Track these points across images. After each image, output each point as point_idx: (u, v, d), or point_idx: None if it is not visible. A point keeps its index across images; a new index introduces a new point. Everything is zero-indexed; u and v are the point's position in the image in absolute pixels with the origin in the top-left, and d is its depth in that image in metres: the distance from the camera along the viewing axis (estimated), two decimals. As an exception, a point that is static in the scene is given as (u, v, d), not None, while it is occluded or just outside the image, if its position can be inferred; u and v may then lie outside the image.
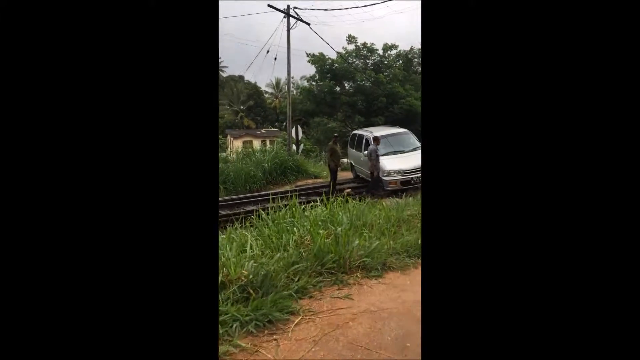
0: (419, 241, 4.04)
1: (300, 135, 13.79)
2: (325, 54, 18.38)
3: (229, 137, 31.85)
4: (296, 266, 2.98)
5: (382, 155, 9.34)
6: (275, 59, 14.83)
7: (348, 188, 9.81)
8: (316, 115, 20.28)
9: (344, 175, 12.68)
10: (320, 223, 4.26)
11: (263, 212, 4.77)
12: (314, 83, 19.38)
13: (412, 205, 6.05)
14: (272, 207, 5.08)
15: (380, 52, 18.85)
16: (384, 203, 6.06)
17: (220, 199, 9.02)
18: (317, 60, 18.31)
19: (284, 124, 27.48)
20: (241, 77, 53.17)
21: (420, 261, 3.72)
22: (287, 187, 11.62)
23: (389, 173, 8.88)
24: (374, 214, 5.05)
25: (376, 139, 9.36)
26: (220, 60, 52.41)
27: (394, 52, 19.22)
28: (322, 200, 5.40)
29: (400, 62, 19.55)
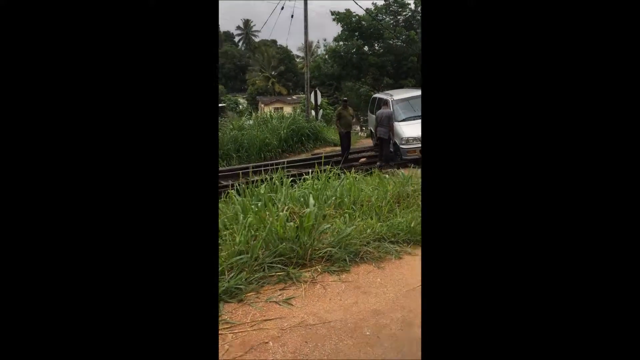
0: (412, 224, 3.38)
1: (320, 99, 12.95)
2: (352, 10, 17.01)
3: (260, 103, 31.53)
4: (239, 257, 2.45)
5: (401, 120, 8.44)
6: (292, 16, 13.75)
7: (363, 157, 9.08)
8: (343, 79, 19.22)
9: (365, 142, 11.87)
10: (302, 200, 3.68)
11: (245, 186, 4.25)
12: (340, 44, 18.16)
13: (419, 178, 5.31)
14: (259, 180, 4.55)
15: (412, 6, 17.16)
16: (389, 175, 5.33)
17: (225, 168, 8.64)
18: (343, 18, 16.99)
19: (316, 89, 26.65)
20: (274, 42, 52.01)
21: (408, 249, 3.08)
22: (304, 155, 11.09)
23: (407, 140, 8.02)
24: (368, 189, 4.39)
25: (385, 103, 8.46)
26: (252, 24, 51.41)
27: (428, 5, 17.42)
28: (321, 172, 4.79)
29: (435, 16, 17.74)
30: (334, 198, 3.85)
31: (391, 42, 17.20)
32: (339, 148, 10.30)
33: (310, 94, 13.05)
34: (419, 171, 5.46)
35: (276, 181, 4.25)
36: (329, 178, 4.78)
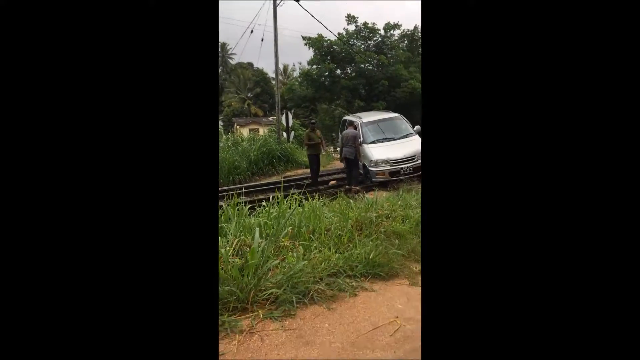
0: (372, 255, 3.15)
1: (291, 121, 12.84)
2: (325, 35, 17.24)
3: (235, 125, 31.23)
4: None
5: (370, 143, 8.36)
6: (262, 40, 13.73)
7: (334, 180, 8.91)
8: (317, 101, 19.29)
9: (337, 164, 11.74)
10: (258, 229, 3.40)
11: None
12: (313, 67, 18.30)
13: (386, 202, 5.13)
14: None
15: (382, 32, 17.59)
16: (354, 199, 5.13)
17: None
18: (315, 42, 17.20)
19: (293, 110, 26.71)
20: (250, 64, 52.29)
21: (365, 284, 2.84)
22: (275, 178, 10.82)
23: (376, 163, 7.91)
24: (330, 216, 4.16)
25: (351, 123, 8.39)
26: (228, 47, 51.69)
27: (397, 32, 17.93)
28: (279, 198, 4.53)
29: (405, 42, 18.26)
30: (290, 227, 3.59)
31: (363, 66, 17.47)
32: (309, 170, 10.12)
33: (282, 115, 12.92)
34: (387, 194, 5.26)
35: (229, 209, 3.96)
36: (290, 204, 4.53)
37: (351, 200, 5.21)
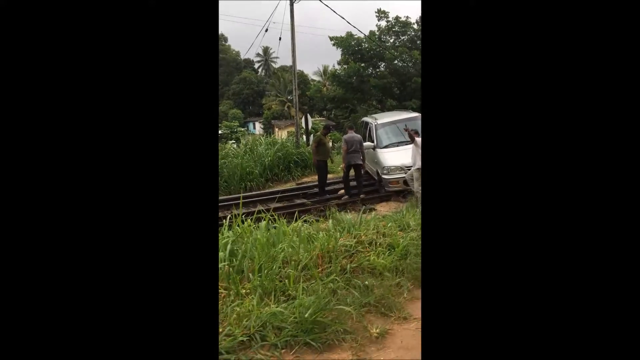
0: (311, 310, 2.31)
1: (311, 124, 12.12)
2: (354, 33, 16.34)
3: (274, 127, 31.31)
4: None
5: (383, 147, 7.41)
6: (280, 39, 13.17)
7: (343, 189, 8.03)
8: (347, 101, 18.45)
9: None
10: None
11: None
12: (343, 67, 17.49)
13: (381, 221, 4.22)
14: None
15: (416, 26, 16.33)
16: (335, 219, 4.27)
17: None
18: (342, 41, 16.37)
19: (333, 111, 25.98)
20: (292, 67, 52.46)
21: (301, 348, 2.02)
22: (289, 185, 10.15)
23: (389, 170, 6.95)
24: (294, 245, 3.35)
25: (351, 127, 7.51)
26: (271, 51, 52.31)
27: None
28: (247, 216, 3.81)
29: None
30: (225, 264, 2.84)
31: (396, 62, 16.35)
32: (331, 176, 9.30)
33: (301, 118, 12.26)
34: (395, 206, 4.31)
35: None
36: (255, 226, 3.78)
37: (340, 217, 4.35)
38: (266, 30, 12.31)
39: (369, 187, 8.06)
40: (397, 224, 4.21)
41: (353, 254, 3.39)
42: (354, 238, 3.67)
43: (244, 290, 2.64)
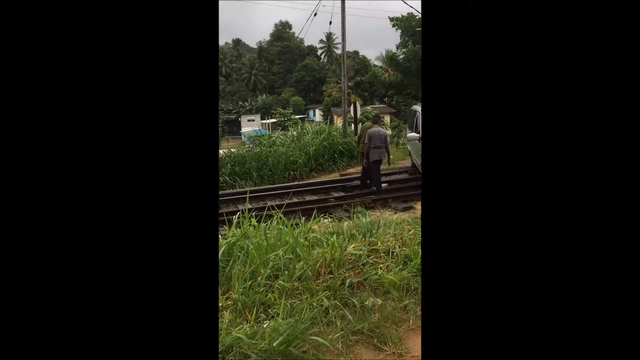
0: (280, 339, 1.98)
1: (359, 112, 11.56)
2: (416, 14, 15.27)
3: (333, 114, 31.14)
4: None
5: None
6: (330, 23, 12.53)
7: (386, 182, 7.50)
8: (407, 87, 17.52)
9: (404, 162, 10.14)
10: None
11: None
12: (400, 50, 16.53)
13: (407, 224, 3.71)
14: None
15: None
16: (357, 220, 3.85)
17: (222, 192, 7.80)
18: (402, 22, 15.38)
19: (394, 98, 24.99)
20: (356, 53, 51.66)
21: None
22: (334, 175, 9.84)
23: (420, 166, 6.28)
24: (303, 250, 3.02)
25: (377, 118, 6.88)
26: (334, 37, 51.69)
27: None
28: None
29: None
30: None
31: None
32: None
33: (351, 105, 11.76)
34: (356, 217, 3.76)
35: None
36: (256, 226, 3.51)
37: (360, 218, 3.93)
38: (315, 15, 11.87)
39: (412, 181, 7.44)
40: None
41: (363, 264, 2.99)
42: (369, 245, 3.25)
43: (227, 302, 2.39)
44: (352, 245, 3.23)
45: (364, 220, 3.62)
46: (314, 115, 40.09)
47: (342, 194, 7.05)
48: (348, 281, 2.63)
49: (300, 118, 24.98)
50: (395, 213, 5.71)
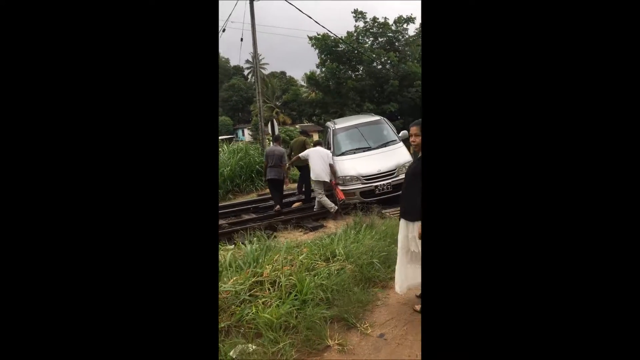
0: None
1: (277, 130, 11.29)
2: (332, 34, 15.60)
3: (264, 133, 30.58)
4: None
5: (340, 155, 6.59)
6: (241, 39, 12.27)
7: (298, 201, 7.20)
8: (327, 106, 17.70)
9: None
10: None
11: None
12: (318, 70, 16.72)
13: (305, 247, 3.37)
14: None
15: (394, 27, 15.64)
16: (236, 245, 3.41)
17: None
18: (320, 41, 15.63)
19: (322, 117, 25.17)
20: (283, 73, 52.03)
21: None
22: (251, 196, 9.31)
23: (344, 180, 6.12)
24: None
25: (277, 139, 6.80)
26: (260, 57, 51.83)
27: (412, 26, 15.86)
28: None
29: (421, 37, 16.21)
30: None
31: (374, 65, 15.63)
32: (294, 186, 8.45)
33: (268, 123, 11.43)
34: (345, 224, 3.43)
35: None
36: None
37: (245, 246, 3.50)
38: (223, 31, 11.48)
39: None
40: (322, 253, 3.37)
41: (242, 302, 2.55)
42: (253, 277, 2.83)
43: None
44: (234, 278, 2.80)
45: (248, 248, 3.19)
46: (243, 135, 39.29)
47: (253, 215, 6.58)
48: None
49: (228, 138, 24.08)
50: (305, 233, 5.38)
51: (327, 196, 6.11)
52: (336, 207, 5.97)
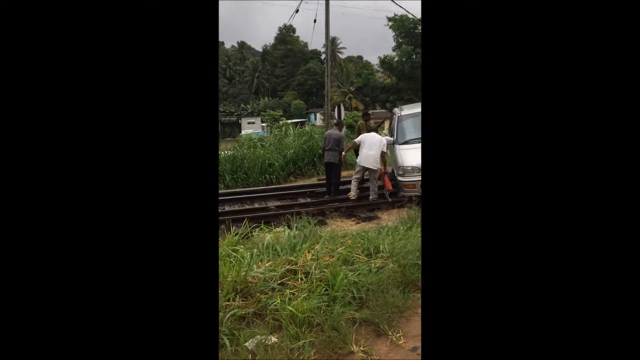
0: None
1: (343, 115, 11.05)
2: (411, 15, 14.77)
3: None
4: None
5: (402, 143, 6.18)
6: (314, 21, 12.01)
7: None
8: (402, 91, 17.02)
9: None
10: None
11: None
12: (394, 54, 16.04)
13: (350, 239, 3.17)
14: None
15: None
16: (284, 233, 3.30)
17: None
18: (398, 24, 14.90)
19: (396, 103, 24.48)
20: (360, 57, 51.28)
21: None
22: (312, 180, 9.31)
23: (404, 171, 5.74)
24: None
25: (338, 123, 6.49)
26: (339, 41, 51.38)
27: None
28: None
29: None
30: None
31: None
32: (352, 172, 8.25)
33: (335, 108, 11.26)
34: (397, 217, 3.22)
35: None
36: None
37: (281, 231, 3.39)
38: (297, 11, 11.40)
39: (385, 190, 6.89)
40: (365, 247, 3.15)
41: (272, 289, 2.46)
42: (287, 265, 2.72)
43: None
44: (265, 264, 2.71)
45: (286, 233, 3.08)
46: (315, 119, 39.73)
47: (309, 200, 6.52)
48: (231, 313, 2.10)
49: (301, 121, 24.49)
50: (358, 223, 5.16)
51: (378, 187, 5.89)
52: (376, 197, 5.75)
